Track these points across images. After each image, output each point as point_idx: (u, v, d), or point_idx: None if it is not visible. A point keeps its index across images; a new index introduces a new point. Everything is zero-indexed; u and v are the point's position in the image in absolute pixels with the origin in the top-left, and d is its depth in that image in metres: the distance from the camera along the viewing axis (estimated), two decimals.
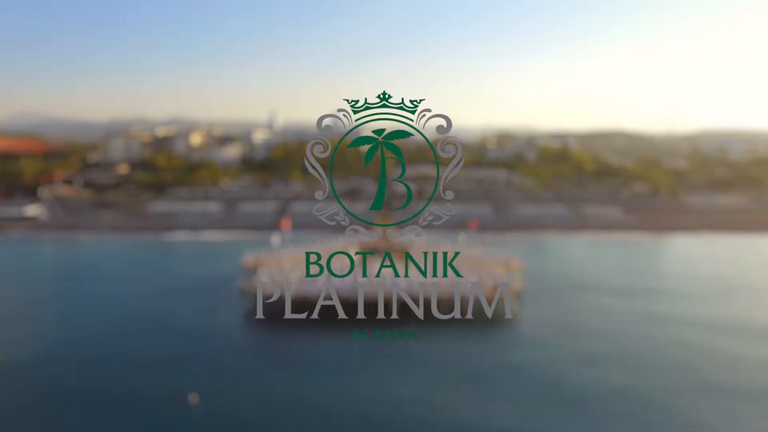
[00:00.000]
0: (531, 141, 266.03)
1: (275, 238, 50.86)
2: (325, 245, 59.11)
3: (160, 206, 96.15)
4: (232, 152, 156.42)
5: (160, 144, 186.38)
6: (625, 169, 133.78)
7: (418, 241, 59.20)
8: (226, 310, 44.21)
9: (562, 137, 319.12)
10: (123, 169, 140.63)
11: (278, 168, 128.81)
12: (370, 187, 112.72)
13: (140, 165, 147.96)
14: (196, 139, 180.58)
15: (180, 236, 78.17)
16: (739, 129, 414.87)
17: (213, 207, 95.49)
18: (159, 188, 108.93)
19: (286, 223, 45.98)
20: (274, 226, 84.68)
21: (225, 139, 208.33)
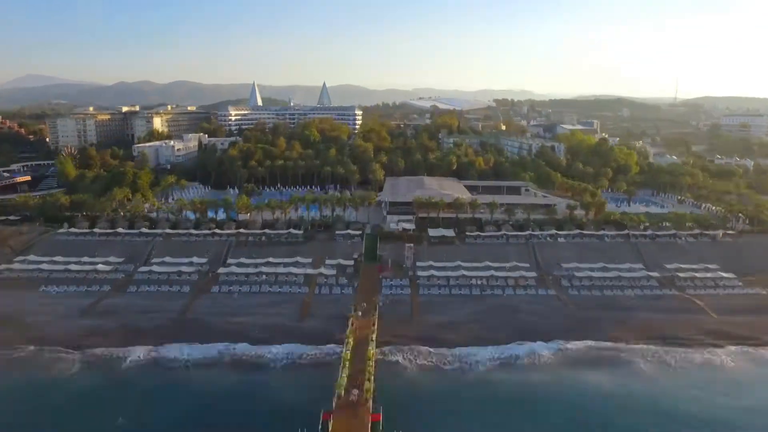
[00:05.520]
0: (534, 107, 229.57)
1: None
2: None
3: (31, 257, 59.91)
4: (191, 145, 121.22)
5: (122, 122, 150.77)
6: (682, 173, 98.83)
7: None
8: None
9: (560, 101, 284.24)
10: (22, 180, 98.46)
11: (235, 172, 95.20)
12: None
13: (51, 173, 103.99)
14: (158, 122, 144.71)
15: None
16: (736, 95, 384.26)
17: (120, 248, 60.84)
18: (58, 216, 70.67)
19: None
20: (200, 288, 51.56)
21: (196, 117, 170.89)
